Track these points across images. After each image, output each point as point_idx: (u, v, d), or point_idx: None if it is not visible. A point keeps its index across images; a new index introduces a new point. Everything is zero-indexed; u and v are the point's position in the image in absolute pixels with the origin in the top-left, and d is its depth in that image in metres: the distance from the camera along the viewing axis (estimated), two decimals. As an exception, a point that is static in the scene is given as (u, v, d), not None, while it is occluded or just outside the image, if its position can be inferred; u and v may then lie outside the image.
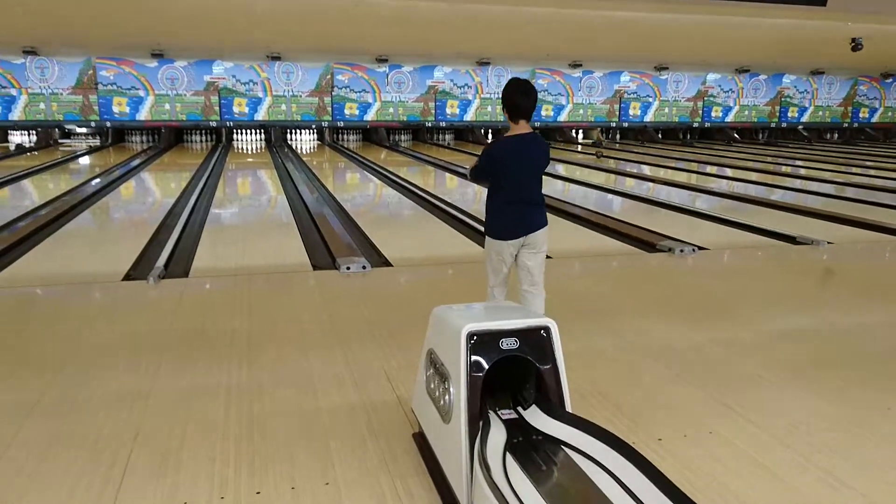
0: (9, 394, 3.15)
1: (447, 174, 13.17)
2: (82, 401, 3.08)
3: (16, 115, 17.70)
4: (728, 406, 3.07)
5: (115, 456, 2.60)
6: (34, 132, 18.59)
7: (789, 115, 23.58)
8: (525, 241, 3.61)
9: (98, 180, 11.50)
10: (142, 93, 18.23)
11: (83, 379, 3.35)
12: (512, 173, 3.57)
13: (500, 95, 3.66)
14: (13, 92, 17.51)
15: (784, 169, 14.92)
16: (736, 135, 23.20)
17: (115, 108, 18.19)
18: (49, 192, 10.62)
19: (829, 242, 6.68)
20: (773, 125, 23.60)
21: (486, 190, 3.76)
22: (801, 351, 3.83)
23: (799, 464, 2.59)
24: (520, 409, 2.33)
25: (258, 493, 2.38)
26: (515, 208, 3.60)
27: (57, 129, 18.71)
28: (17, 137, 18.73)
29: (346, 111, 19.78)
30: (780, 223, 7.61)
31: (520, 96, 3.50)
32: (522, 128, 3.56)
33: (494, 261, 3.69)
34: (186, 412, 2.99)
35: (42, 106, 17.74)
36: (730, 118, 23.09)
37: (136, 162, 14.77)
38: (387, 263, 5.90)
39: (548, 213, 3.72)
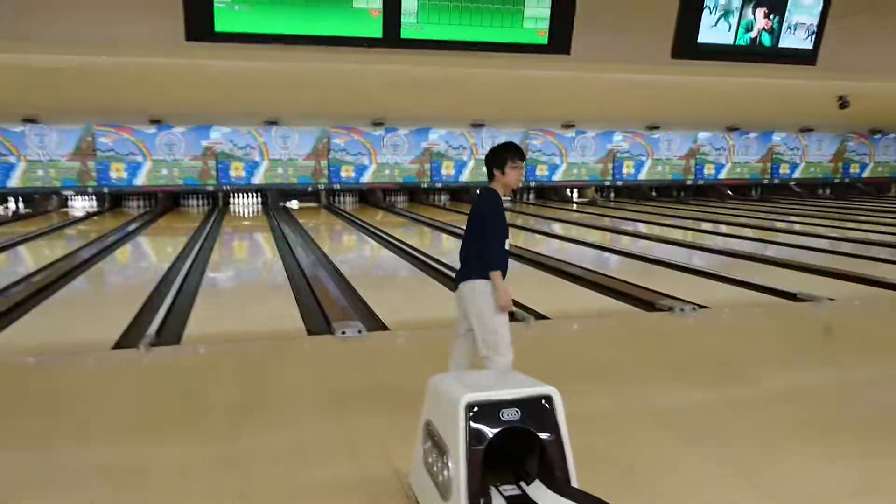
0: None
1: (443, 234, 13.17)
2: (71, 475, 2.94)
3: (14, 182, 17.79)
4: (743, 474, 2.94)
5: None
6: (30, 199, 18.61)
7: (780, 171, 23.83)
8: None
9: (93, 245, 11.45)
10: (140, 158, 18.38)
11: (72, 451, 3.22)
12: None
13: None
14: (11, 159, 17.64)
15: (779, 225, 14.97)
16: (729, 191, 23.39)
17: (113, 174, 18.29)
18: (43, 257, 10.55)
19: (830, 299, 6.61)
20: (765, 181, 23.83)
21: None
22: (811, 412, 3.72)
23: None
24: (522, 484, 2.22)
25: (247, 578, 2.24)
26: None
27: (54, 196, 18.75)
28: (12, 204, 18.75)
29: (343, 174, 19.93)
30: (779, 279, 7.55)
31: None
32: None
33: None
34: (181, 485, 2.85)
35: (40, 172, 17.85)
36: (722, 175, 23.31)
37: (132, 226, 14.76)
38: (383, 327, 5.80)
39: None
